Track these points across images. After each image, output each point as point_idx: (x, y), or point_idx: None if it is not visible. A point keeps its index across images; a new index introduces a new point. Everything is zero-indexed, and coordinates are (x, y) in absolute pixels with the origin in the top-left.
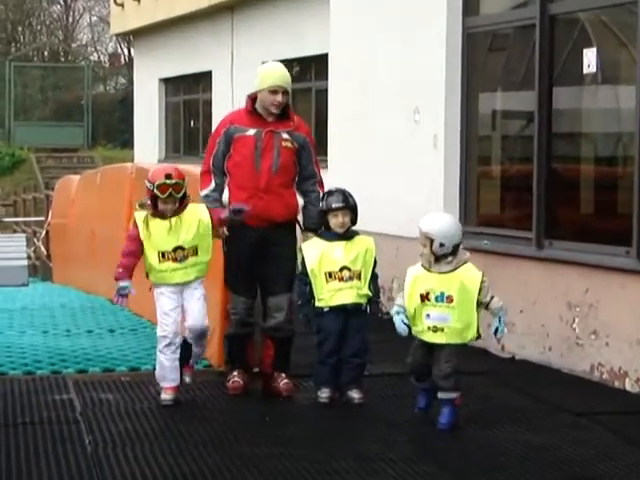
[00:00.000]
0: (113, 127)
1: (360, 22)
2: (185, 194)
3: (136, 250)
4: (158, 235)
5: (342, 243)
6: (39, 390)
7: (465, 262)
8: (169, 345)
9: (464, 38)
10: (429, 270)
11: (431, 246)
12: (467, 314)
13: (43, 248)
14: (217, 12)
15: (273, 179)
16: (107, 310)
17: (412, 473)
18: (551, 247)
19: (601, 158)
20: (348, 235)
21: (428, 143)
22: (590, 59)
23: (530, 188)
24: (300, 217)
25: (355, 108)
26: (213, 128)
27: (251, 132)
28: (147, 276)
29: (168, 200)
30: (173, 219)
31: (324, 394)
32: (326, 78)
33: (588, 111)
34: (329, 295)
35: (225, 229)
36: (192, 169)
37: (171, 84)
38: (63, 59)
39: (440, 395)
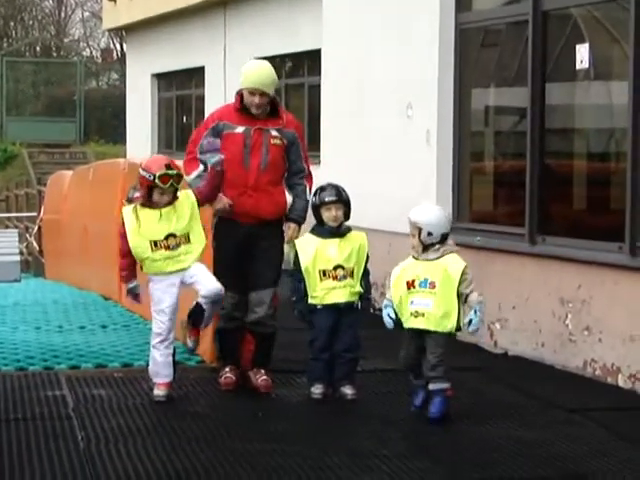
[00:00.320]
0: (105, 123)
1: (353, 18)
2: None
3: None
4: (149, 224)
5: (336, 241)
6: (31, 386)
7: (452, 252)
8: (163, 341)
9: (457, 34)
10: (417, 259)
11: (419, 235)
12: (447, 302)
13: (35, 244)
14: (210, 7)
15: (262, 176)
16: (99, 306)
17: (405, 469)
18: (544, 243)
19: (594, 154)
20: (341, 232)
21: (421, 139)
22: (583, 55)
23: (523, 184)
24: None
25: (348, 104)
26: None
27: (240, 129)
28: (141, 268)
29: (167, 191)
30: (164, 208)
31: (317, 390)
32: (319, 74)
33: (581, 107)
34: (322, 293)
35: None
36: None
37: (164, 79)
38: (55, 54)
39: (430, 386)
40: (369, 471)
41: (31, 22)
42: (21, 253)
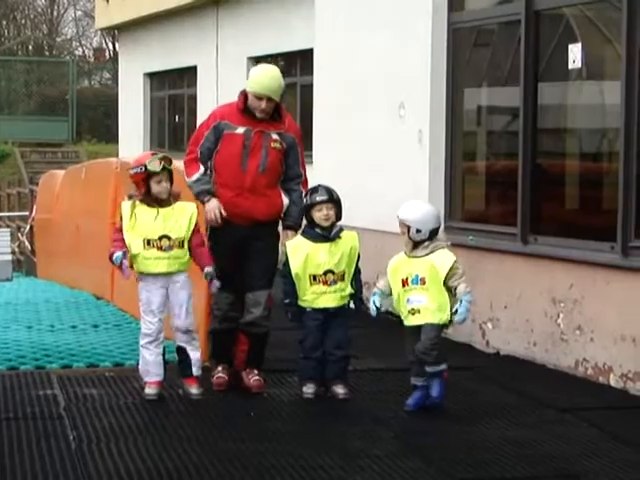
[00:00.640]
0: (98, 122)
1: (345, 17)
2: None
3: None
4: (144, 222)
5: (326, 245)
6: (23, 385)
7: (442, 248)
8: (152, 342)
9: (449, 34)
10: (408, 256)
11: (408, 232)
12: (439, 296)
13: (27, 243)
14: (202, 7)
15: (259, 179)
16: (91, 305)
17: (397, 469)
18: (536, 243)
19: (586, 154)
20: (332, 236)
21: (413, 139)
22: (575, 55)
23: (515, 184)
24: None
25: (340, 103)
26: (198, 123)
27: (240, 130)
28: (132, 266)
29: (164, 177)
30: (162, 209)
31: (309, 390)
32: (311, 73)
33: (573, 107)
34: (312, 297)
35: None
36: (176, 163)
37: (156, 79)
38: (48, 53)
39: (428, 369)
40: (361, 471)
41: (23, 21)
42: (13, 252)
